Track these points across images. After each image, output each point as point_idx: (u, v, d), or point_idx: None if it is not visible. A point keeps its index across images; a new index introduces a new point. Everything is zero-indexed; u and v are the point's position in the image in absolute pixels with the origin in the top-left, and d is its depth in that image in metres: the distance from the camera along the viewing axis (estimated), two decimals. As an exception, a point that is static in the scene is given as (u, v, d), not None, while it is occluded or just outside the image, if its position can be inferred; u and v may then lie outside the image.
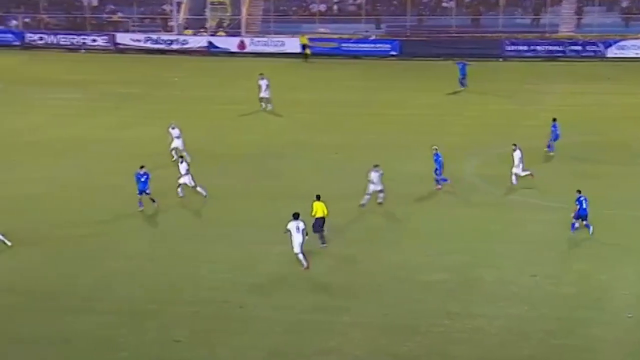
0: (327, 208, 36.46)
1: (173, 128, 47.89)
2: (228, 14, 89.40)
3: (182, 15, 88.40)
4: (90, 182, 44.32)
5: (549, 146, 49.22)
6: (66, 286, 33.30)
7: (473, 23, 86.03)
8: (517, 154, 42.90)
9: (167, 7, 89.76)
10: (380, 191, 40.70)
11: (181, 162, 42.11)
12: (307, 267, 34.20)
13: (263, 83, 58.63)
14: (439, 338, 29.19)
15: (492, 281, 33.47)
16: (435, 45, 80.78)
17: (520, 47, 79.95)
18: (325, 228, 36.37)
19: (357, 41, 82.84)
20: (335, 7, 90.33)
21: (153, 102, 63.19)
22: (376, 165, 40.80)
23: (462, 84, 64.92)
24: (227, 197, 42.37)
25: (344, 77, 72.75)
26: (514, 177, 42.92)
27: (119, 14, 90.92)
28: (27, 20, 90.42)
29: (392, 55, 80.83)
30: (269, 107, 58.35)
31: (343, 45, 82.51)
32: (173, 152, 47.43)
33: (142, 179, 40.31)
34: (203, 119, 57.82)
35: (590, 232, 36.88)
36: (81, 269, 34.72)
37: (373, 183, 40.54)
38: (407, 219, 39.84)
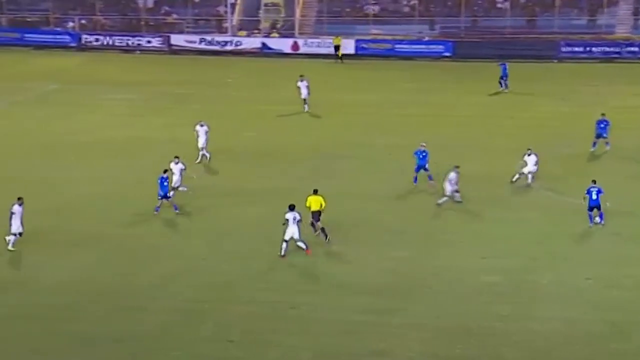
0: (325, 201, 37.18)
1: (202, 125, 48.16)
2: (282, 15, 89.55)
3: (236, 17, 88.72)
4: (145, 181, 44.61)
5: (593, 144, 49.35)
6: (121, 286, 33.65)
7: (528, 24, 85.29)
8: (532, 159, 43.33)
9: (221, 9, 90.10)
10: (456, 191, 40.84)
11: (176, 163, 42.01)
12: (308, 251, 35.47)
13: (302, 85, 58.96)
14: (492, 340, 29.10)
15: (546, 284, 33.28)
16: (489, 47, 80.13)
17: (576, 49, 79.10)
18: (321, 221, 37.13)
19: (411, 42, 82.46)
20: (388, 8, 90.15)
21: (207, 103, 63.46)
22: (457, 167, 40.95)
23: (504, 85, 64.46)
24: (281, 196, 42.46)
25: (397, 78, 72.52)
26: (530, 177, 43.43)
27: (174, 16, 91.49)
28: (83, 21, 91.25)
29: (446, 57, 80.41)
30: (306, 108, 58.63)
31: (396, 46, 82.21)
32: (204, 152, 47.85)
33: (165, 183, 40.28)
34: (256, 119, 58.00)
35: (602, 223, 37.36)
36: (137, 269, 35.08)
37: (451, 184, 40.64)
38: (461, 221, 39.67)
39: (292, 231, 35.31)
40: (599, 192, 37.41)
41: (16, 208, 36.65)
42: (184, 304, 32.05)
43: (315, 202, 37.17)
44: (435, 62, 79.45)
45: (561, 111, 59.71)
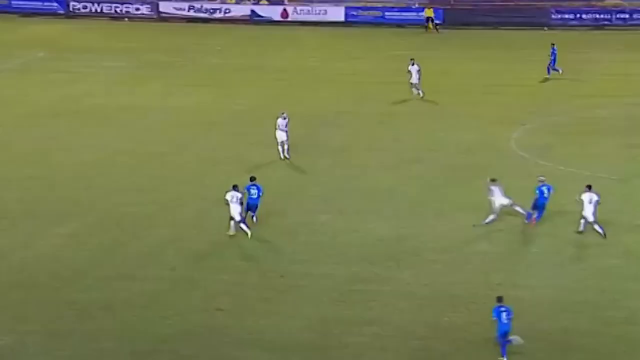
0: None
1: (284, 118, 43.89)
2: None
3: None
4: (137, 150, 44.51)
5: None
6: (110, 254, 33.61)
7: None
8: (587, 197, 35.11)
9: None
10: (512, 204, 35.61)
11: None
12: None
13: (414, 69, 56.21)
14: (481, 309, 29.08)
15: (536, 252, 33.33)
16: (479, 14, 79.90)
17: (566, 16, 78.85)
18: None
19: (401, 9, 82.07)
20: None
21: (196, 70, 63.21)
22: (493, 180, 36.04)
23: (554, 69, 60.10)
24: (274, 166, 42.41)
25: (388, 46, 72.24)
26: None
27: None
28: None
29: (436, 24, 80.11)
30: (420, 93, 54.44)
31: (387, 13, 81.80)
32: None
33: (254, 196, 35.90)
34: (248, 86, 57.72)
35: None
36: (126, 237, 35.02)
37: (495, 198, 35.51)
38: (450, 191, 39.55)
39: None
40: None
41: None
42: (175, 272, 32.03)
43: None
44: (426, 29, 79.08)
45: (553, 78, 59.38)
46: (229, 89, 57.47)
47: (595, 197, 34.25)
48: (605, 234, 34.01)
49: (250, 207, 35.61)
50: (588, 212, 34.13)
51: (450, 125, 48.49)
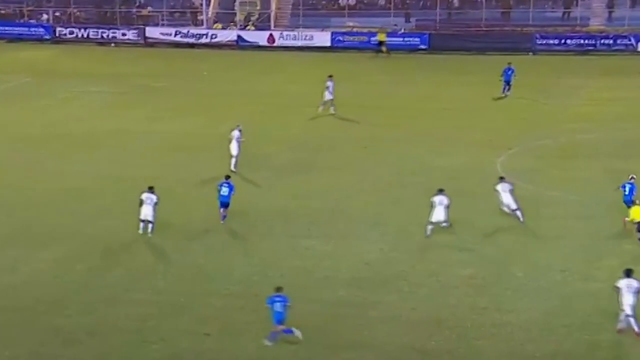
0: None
1: (240, 130, 45.65)
2: (257, 8, 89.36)
3: (211, 9, 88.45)
4: (124, 174, 44.47)
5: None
6: (96, 280, 33.50)
7: (503, 17, 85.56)
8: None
9: (196, 1, 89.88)
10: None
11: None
12: None
13: (331, 85, 56.86)
14: (467, 333, 29.20)
15: (522, 276, 33.41)
16: (464, 39, 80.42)
17: (551, 41, 79.38)
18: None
19: (387, 35, 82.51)
20: (364, 0, 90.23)
21: (183, 96, 63.33)
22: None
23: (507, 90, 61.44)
24: (260, 190, 42.47)
25: (373, 70, 72.61)
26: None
27: (149, 8, 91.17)
28: (57, 14, 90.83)
29: (422, 49, 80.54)
30: (332, 109, 56.09)
31: (372, 39, 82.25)
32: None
33: (225, 193, 38.40)
34: (233, 112, 57.81)
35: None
36: (110, 263, 34.95)
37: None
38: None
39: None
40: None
41: None
42: (162, 296, 31.99)
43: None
44: (411, 54, 79.55)
45: (538, 103, 59.75)
46: (215, 113, 57.57)
47: (509, 186, 37.86)
48: (524, 220, 37.27)
49: (222, 204, 37.96)
50: (507, 200, 37.64)
51: (435, 149, 48.68)
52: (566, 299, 31.20)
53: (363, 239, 36.83)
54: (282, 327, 28.43)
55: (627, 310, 28.36)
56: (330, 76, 56.96)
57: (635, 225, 35.73)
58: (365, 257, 35.13)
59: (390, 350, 28.36)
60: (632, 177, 38.25)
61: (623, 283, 28.70)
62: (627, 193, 37.67)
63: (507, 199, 37.91)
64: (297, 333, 28.52)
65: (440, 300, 31.57)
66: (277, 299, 28.58)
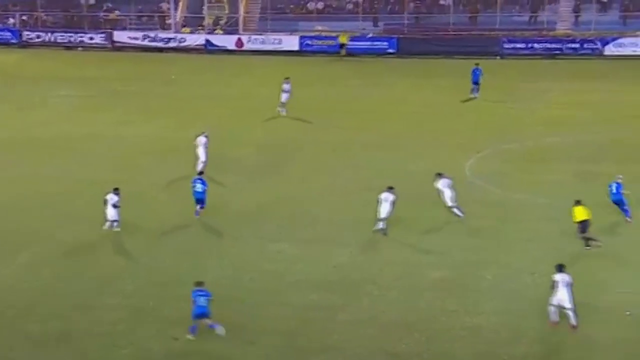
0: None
1: (206, 137, 45.29)
2: (226, 12, 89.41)
3: (179, 14, 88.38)
4: (94, 178, 44.25)
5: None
6: (65, 284, 33.32)
7: (471, 21, 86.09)
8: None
9: (164, 5, 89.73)
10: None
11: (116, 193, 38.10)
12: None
13: (287, 87, 57.17)
14: (437, 335, 29.29)
15: (491, 279, 33.55)
16: (432, 43, 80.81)
17: (518, 45, 79.93)
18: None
19: (355, 39, 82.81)
20: (332, 5, 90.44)
21: (152, 99, 63.23)
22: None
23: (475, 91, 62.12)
24: (229, 193, 42.42)
25: (341, 74, 72.79)
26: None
27: (117, 12, 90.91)
28: (24, 18, 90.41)
29: (390, 53, 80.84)
30: (283, 112, 56.88)
31: (335, 41, 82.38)
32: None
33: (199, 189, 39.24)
34: (202, 116, 57.78)
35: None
36: (80, 268, 34.76)
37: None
38: (405, 218, 39.69)
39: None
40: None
41: None
42: (131, 300, 31.88)
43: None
44: (379, 58, 79.82)
45: (505, 107, 60.14)
46: (184, 117, 57.50)
47: (448, 182, 38.62)
48: (464, 215, 38.09)
49: (196, 200, 38.86)
50: (446, 197, 38.36)
51: (404, 152, 48.87)
52: (536, 302, 31.33)
53: (333, 243, 36.88)
54: (208, 321, 28.76)
55: (567, 304, 29.23)
56: (287, 78, 57.22)
57: (578, 225, 35.96)
58: (335, 261, 35.18)
59: (360, 354, 28.40)
60: (619, 177, 38.59)
61: (559, 277, 29.59)
62: (614, 192, 38.11)
63: (449, 193, 38.57)
64: (221, 330, 28.77)
65: (410, 303, 31.66)
66: (201, 293, 29.02)
